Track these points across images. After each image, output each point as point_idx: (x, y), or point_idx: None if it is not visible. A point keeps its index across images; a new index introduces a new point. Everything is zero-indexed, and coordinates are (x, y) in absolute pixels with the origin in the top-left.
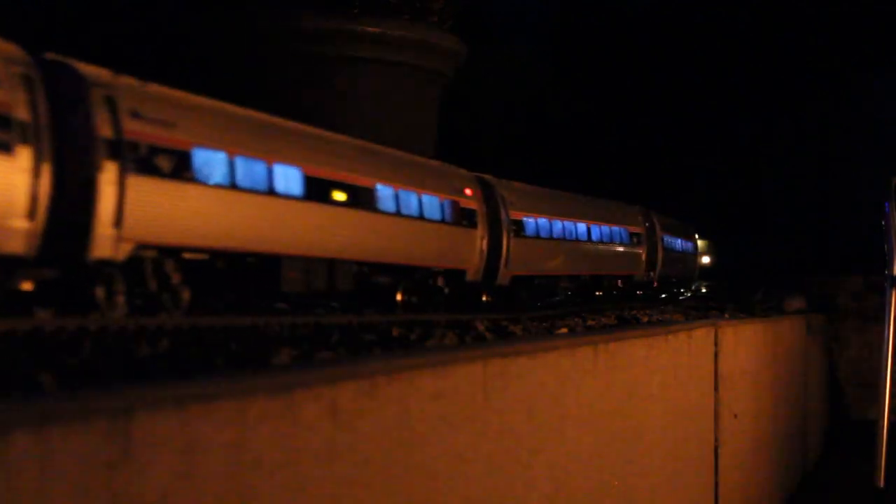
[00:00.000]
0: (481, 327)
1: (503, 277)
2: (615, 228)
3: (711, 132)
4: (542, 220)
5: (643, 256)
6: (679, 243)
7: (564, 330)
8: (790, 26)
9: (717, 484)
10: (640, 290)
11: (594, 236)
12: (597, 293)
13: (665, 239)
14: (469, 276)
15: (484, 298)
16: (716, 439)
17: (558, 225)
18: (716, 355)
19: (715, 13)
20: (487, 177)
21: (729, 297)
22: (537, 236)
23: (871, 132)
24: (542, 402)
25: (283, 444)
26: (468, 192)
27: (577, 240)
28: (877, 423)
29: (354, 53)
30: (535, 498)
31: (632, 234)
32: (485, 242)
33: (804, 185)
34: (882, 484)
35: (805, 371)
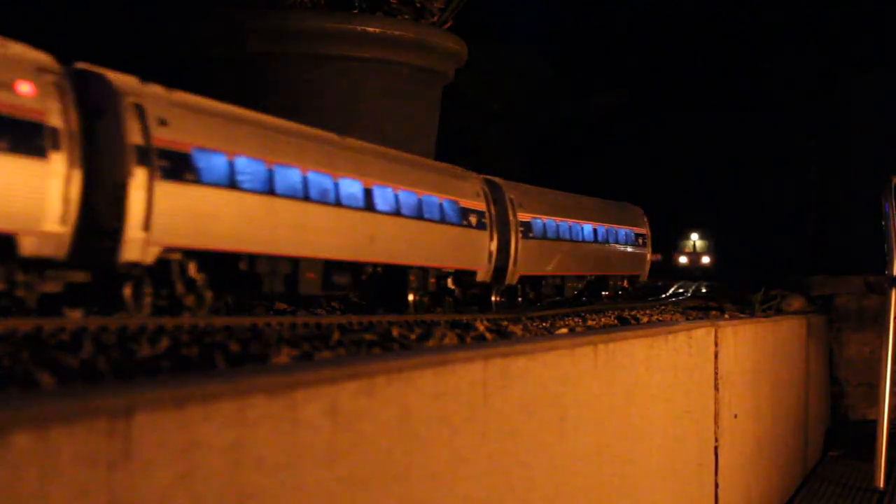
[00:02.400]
0: (481, 327)
1: (512, 277)
2: (620, 229)
3: (711, 132)
4: (550, 222)
5: (648, 257)
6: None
7: (564, 330)
8: (790, 26)
9: (717, 484)
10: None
11: (600, 237)
12: (603, 293)
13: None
14: (479, 277)
15: (494, 298)
16: (716, 439)
17: (564, 226)
18: (716, 355)
19: (714, 13)
20: (495, 179)
21: (729, 297)
22: (544, 237)
23: (871, 132)
24: (542, 402)
25: (283, 444)
26: (478, 194)
27: (584, 240)
28: (877, 423)
29: (354, 53)
30: (536, 498)
31: (637, 235)
32: (494, 244)
33: (804, 185)
34: (882, 484)
35: (805, 371)
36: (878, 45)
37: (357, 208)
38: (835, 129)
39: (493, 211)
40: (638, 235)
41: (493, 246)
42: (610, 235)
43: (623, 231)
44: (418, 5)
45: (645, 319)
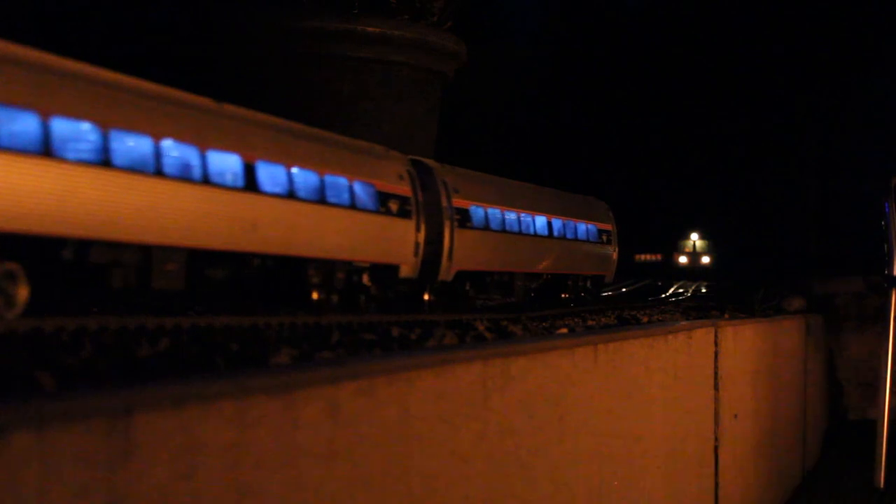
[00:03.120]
0: (481, 327)
1: (446, 272)
2: (581, 224)
3: (711, 132)
4: (494, 211)
5: (614, 256)
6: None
7: (564, 330)
8: (790, 25)
9: (717, 484)
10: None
11: (556, 231)
12: (563, 295)
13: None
14: (403, 273)
15: (426, 297)
16: (716, 439)
17: (513, 217)
18: (716, 355)
19: (714, 13)
20: (426, 161)
21: (729, 297)
22: (487, 228)
23: (872, 132)
24: (542, 402)
25: (283, 444)
26: (401, 177)
27: (537, 234)
28: (877, 423)
29: (355, 53)
30: (536, 498)
31: (601, 232)
32: (422, 234)
33: (804, 185)
34: (882, 484)
35: (805, 371)
36: (879, 45)
37: (233, 188)
38: (835, 130)
39: (420, 197)
40: (602, 232)
41: (421, 237)
42: (568, 230)
43: (584, 226)
44: (418, 5)
45: (645, 319)
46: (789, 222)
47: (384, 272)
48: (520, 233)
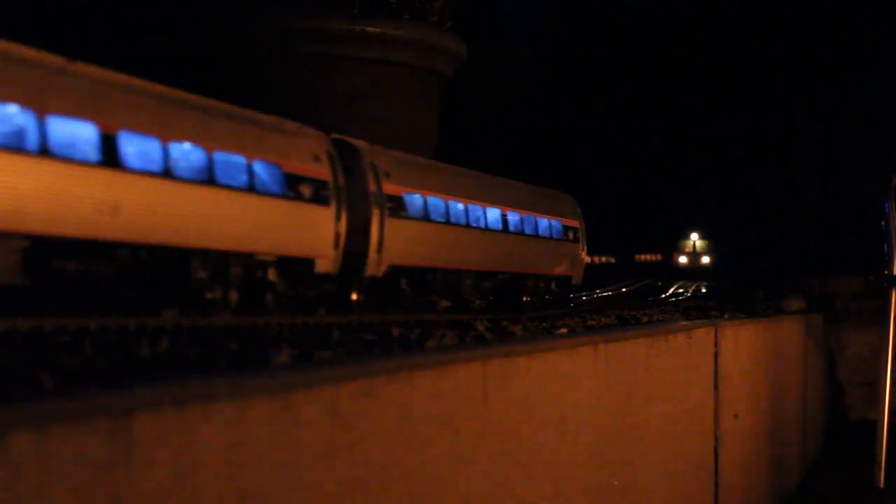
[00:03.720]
0: (481, 327)
1: (375, 267)
2: (543, 219)
3: (711, 132)
4: (436, 200)
5: (582, 255)
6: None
7: (564, 330)
8: (790, 25)
9: (717, 484)
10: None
11: (512, 226)
12: (524, 298)
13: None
14: (320, 267)
15: (354, 297)
16: (716, 439)
17: (460, 208)
18: (716, 355)
19: (714, 13)
20: (352, 140)
21: (729, 297)
22: (427, 218)
23: (871, 132)
24: (542, 402)
25: (283, 444)
26: (317, 158)
27: (489, 228)
28: (877, 423)
29: (354, 53)
30: (535, 498)
31: (567, 228)
32: (342, 223)
33: (804, 185)
34: (882, 484)
35: (805, 371)
36: (879, 45)
37: (86, 162)
38: (835, 130)
39: (342, 181)
40: (568, 229)
41: (342, 227)
42: (527, 225)
43: (547, 221)
44: (418, 5)
45: (645, 319)
46: (789, 222)
47: (296, 267)
48: (467, 226)
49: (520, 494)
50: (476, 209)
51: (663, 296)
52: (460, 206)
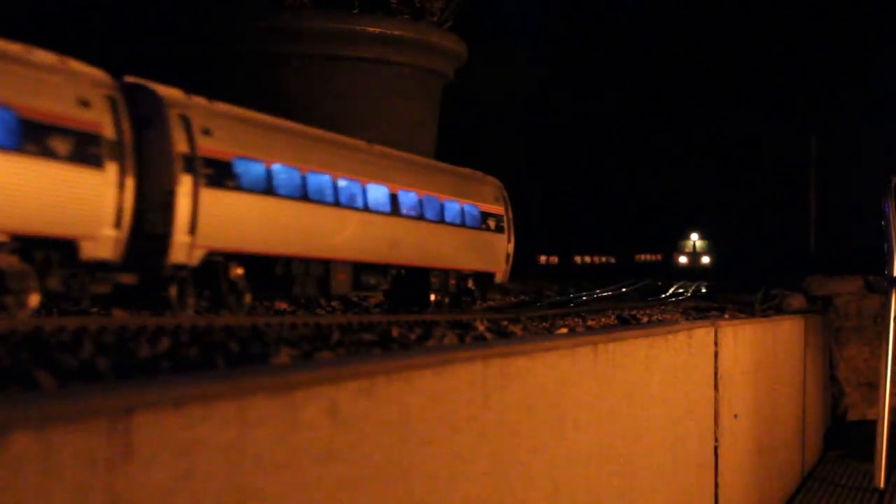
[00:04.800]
0: (481, 327)
1: (183, 252)
2: (455, 204)
3: (711, 132)
4: (289, 171)
5: (506, 247)
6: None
7: (564, 330)
8: (790, 25)
9: (716, 484)
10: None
11: (407, 209)
12: (432, 297)
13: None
14: (89, 252)
15: (172, 293)
16: (716, 439)
17: (327, 182)
18: (716, 355)
19: (714, 13)
20: (156, 86)
21: (729, 297)
22: (272, 192)
23: (871, 132)
24: (542, 402)
25: (283, 444)
26: (85, 103)
27: (370, 210)
28: (877, 423)
29: (354, 53)
30: (535, 498)
31: (487, 216)
32: (129, 193)
33: (804, 185)
34: (882, 484)
35: (805, 371)
36: (879, 45)
37: None
38: (835, 129)
39: (129, 136)
40: (488, 216)
41: (127, 197)
42: (429, 209)
43: (458, 206)
44: (418, 5)
45: (645, 319)
46: (789, 222)
47: (54, 250)
48: (337, 205)
49: (520, 494)
50: (353, 186)
51: (663, 296)
52: (327, 180)
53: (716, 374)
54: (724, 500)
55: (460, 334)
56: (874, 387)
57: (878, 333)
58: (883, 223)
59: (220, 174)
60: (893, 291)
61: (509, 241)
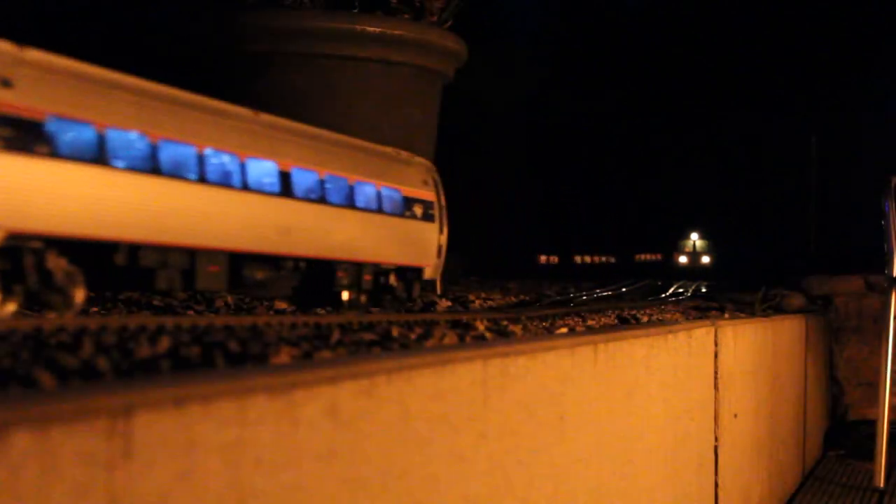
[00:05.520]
0: (481, 327)
1: None
2: (369, 186)
3: (711, 132)
4: (136, 139)
5: (437, 239)
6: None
7: (564, 330)
8: (790, 25)
9: (716, 484)
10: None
11: (303, 189)
12: (346, 296)
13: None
14: None
15: None
16: (716, 439)
17: (190, 154)
18: (716, 355)
19: (714, 13)
20: None
21: (729, 297)
22: (104, 161)
23: (871, 132)
24: (542, 402)
25: (283, 444)
26: None
27: (253, 190)
28: (877, 423)
29: (354, 53)
30: (535, 498)
31: (412, 202)
32: None
33: (804, 184)
34: (882, 484)
35: (805, 371)
36: (879, 45)
37: None
38: (835, 129)
39: None
40: (413, 202)
41: None
42: (334, 191)
43: (374, 189)
44: (418, 5)
45: (645, 319)
46: (789, 222)
47: None
48: (202, 181)
49: (520, 494)
50: (227, 159)
51: (663, 295)
52: (190, 151)
53: (716, 373)
54: (724, 499)
55: (460, 334)
56: (874, 386)
57: (878, 333)
58: (883, 223)
59: (25, 136)
60: (893, 291)
61: (441, 231)
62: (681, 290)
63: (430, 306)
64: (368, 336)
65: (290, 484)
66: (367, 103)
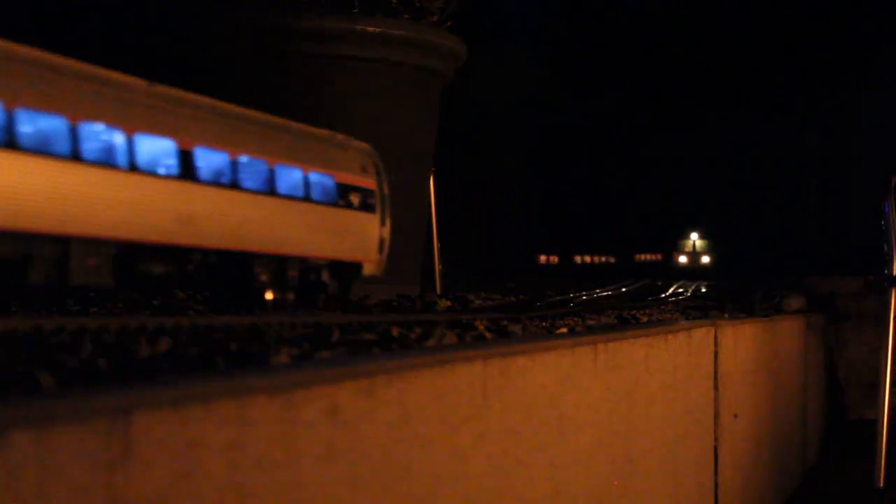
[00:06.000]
0: (481, 327)
1: None
2: (296, 171)
3: (711, 132)
4: None
5: (378, 231)
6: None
7: (564, 330)
8: (790, 26)
9: (716, 484)
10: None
11: (209, 172)
12: (269, 296)
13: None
14: None
15: None
16: (715, 439)
17: (55, 128)
18: (716, 355)
19: (714, 13)
20: None
21: (729, 297)
22: None
23: (872, 132)
24: (542, 402)
25: (283, 444)
26: None
27: (139, 170)
28: (877, 422)
29: (354, 53)
30: (535, 498)
31: (348, 189)
32: None
33: (805, 185)
34: (882, 484)
35: (805, 371)
36: (879, 45)
37: None
38: (836, 130)
39: None
40: (350, 190)
41: None
42: (251, 175)
43: (302, 175)
44: (418, 5)
45: (645, 319)
46: (789, 222)
47: None
48: (76, 159)
49: (520, 494)
50: (109, 135)
51: (663, 295)
52: (59, 124)
53: (716, 373)
54: (724, 499)
55: (460, 334)
56: (874, 387)
57: (878, 333)
58: (883, 223)
59: None
60: (893, 291)
61: (383, 223)
62: (681, 290)
63: (430, 306)
64: (368, 336)
65: (290, 484)
66: (366, 103)
